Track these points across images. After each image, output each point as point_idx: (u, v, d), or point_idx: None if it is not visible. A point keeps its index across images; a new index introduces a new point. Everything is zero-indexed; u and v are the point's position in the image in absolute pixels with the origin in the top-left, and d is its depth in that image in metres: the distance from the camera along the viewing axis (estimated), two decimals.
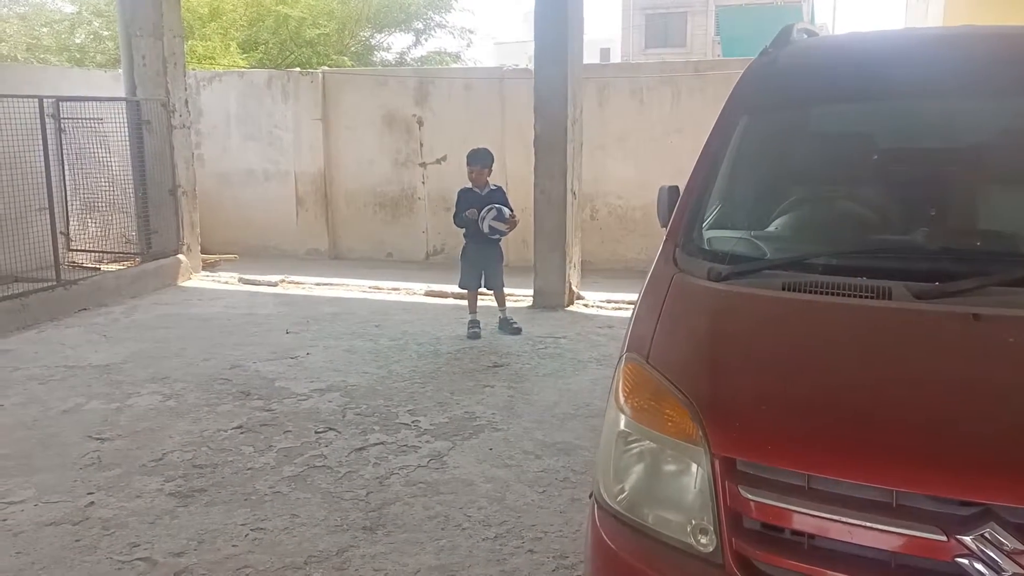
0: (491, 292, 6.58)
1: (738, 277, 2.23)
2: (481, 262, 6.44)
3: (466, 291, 6.59)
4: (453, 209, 9.75)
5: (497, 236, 6.28)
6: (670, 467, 1.90)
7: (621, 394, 2.02)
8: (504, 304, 6.63)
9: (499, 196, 6.37)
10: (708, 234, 2.57)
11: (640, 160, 9.15)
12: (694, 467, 1.84)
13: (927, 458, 1.67)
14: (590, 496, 2.11)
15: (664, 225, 2.79)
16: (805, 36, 3.28)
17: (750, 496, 1.73)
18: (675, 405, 1.91)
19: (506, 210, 6.24)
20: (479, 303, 6.57)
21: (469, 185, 6.41)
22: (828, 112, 3.04)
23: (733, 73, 8.73)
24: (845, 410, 1.81)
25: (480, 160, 6.34)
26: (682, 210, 2.59)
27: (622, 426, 1.98)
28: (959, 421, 1.73)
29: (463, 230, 6.43)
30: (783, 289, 2.14)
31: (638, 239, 9.12)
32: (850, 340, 2.01)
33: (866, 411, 1.79)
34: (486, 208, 6.19)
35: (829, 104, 2.93)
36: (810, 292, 2.11)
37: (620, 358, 2.16)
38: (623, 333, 6.78)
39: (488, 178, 6.38)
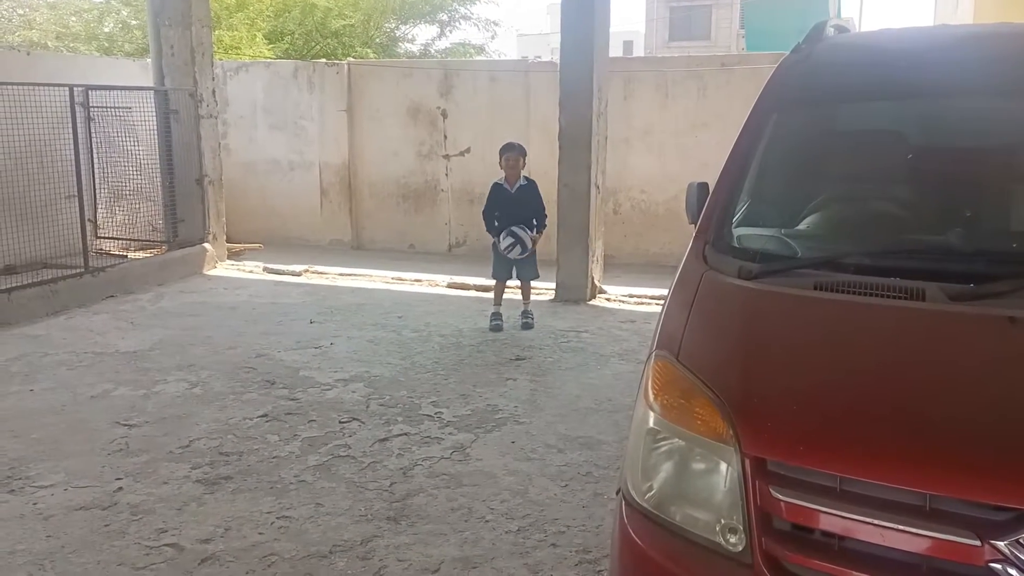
0: (518, 285, 6.59)
1: (769, 275, 2.21)
2: (512, 261, 6.44)
3: (494, 281, 6.59)
4: (475, 201, 9.83)
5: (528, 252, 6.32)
6: (699, 466, 1.90)
7: (651, 391, 2.02)
8: (528, 298, 6.63)
9: (528, 194, 6.35)
10: (737, 231, 2.55)
11: (664, 154, 9.11)
12: (724, 466, 1.84)
13: (961, 462, 1.66)
14: (617, 492, 2.11)
15: (693, 222, 2.78)
16: (836, 32, 3.25)
17: (781, 496, 1.73)
18: (705, 403, 1.90)
19: (527, 238, 6.24)
20: (506, 295, 6.58)
21: (501, 178, 6.41)
22: (860, 109, 3.01)
23: (760, 68, 8.73)
24: (878, 412, 1.80)
25: (511, 149, 6.35)
26: (712, 207, 2.57)
27: (651, 423, 1.98)
28: (994, 425, 1.71)
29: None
30: (815, 288, 2.13)
31: (661, 233, 9.09)
32: (883, 341, 1.99)
33: (899, 413, 1.78)
34: (505, 234, 6.23)
35: (862, 102, 2.90)
36: (842, 292, 2.10)
37: (649, 355, 2.16)
38: (646, 328, 6.76)
39: (522, 170, 6.37)
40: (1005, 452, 1.65)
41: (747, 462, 1.78)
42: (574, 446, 4.22)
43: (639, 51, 40.94)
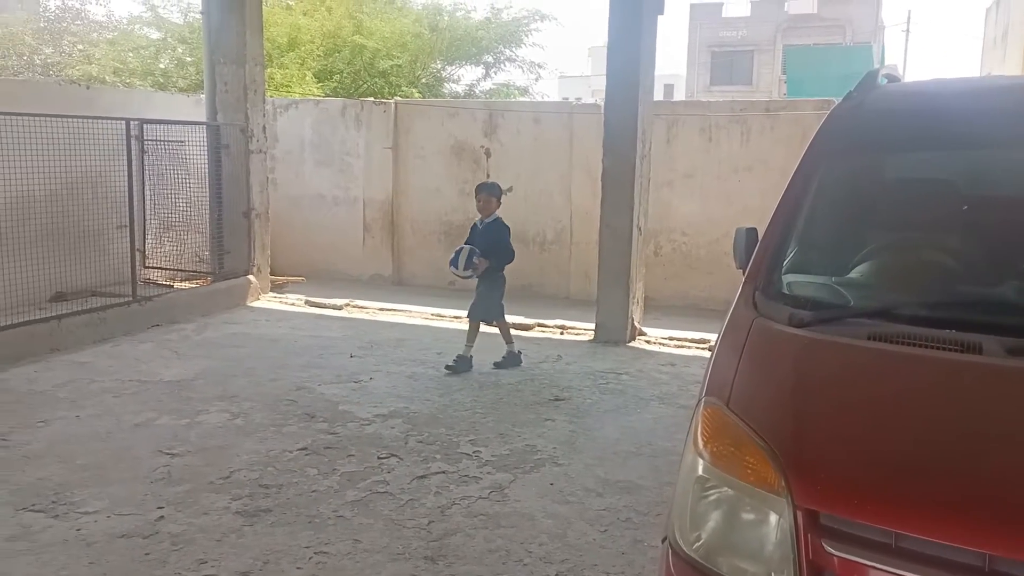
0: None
1: (821, 324, 2.19)
2: (478, 300, 6.45)
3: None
4: (515, 240, 9.85)
5: (469, 275, 6.27)
6: (749, 516, 1.87)
7: (700, 438, 2.00)
8: (509, 340, 6.50)
9: (489, 231, 6.36)
10: (787, 278, 2.53)
11: (707, 198, 9.09)
12: (774, 517, 1.81)
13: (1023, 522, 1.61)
14: (663, 540, 2.08)
15: (740, 267, 2.77)
16: (887, 81, 3.25)
17: (834, 551, 1.69)
18: (756, 452, 1.88)
19: (464, 258, 6.16)
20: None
21: (478, 217, 6.51)
22: (912, 158, 2.99)
23: (804, 114, 8.70)
24: (935, 467, 1.76)
25: (482, 190, 6.45)
26: (762, 253, 2.56)
27: (700, 471, 1.96)
28: None
29: None
30: (869, 339, 2.10)
31: (703, 277, 9.03)
32: (939, 394, 1.96)
33: (957, 469, 1.74)
34: (457, 248, 6.27)
35: (914, 151, 2.88)
36: (897, 343, 2.07)
37: (698, 401, 2.14)
38: (686, 372, 6.68)
39: (494, 209, 6.41)
40: None
41: (799, 514, 1.75)
42: (613, 490, 4.17)
43: (680, 94, 41.14)
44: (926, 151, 2.85)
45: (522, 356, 6.53)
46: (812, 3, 37.13)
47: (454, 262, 6.26)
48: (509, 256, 6.43)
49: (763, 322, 2.27)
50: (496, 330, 6.59)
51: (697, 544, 1.91)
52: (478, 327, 6.48)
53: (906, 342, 2.06)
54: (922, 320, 2.14)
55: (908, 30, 35.11)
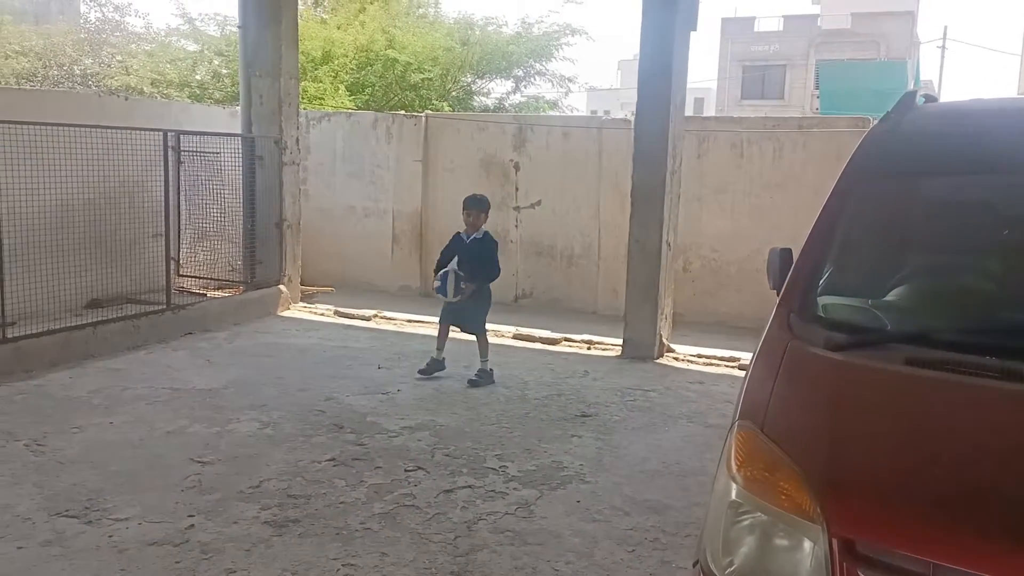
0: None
1: (858, 348, 2.17)
2: (456, 306, 6.33)
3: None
4: (543, 254, 9.88)
5: (458, 300, 6.22)
6: (783, 542, 1.85)
7: (733, 462, 1.98)
8: (481, 355, 6.42)
9: (478, 247, 6.30)
10: (822, 300, 2.51)
11: (737, 214, 9.04)
12: (808, 544, 1.79)
13: None
14: (695, 564, 2.06)
15: (774, 288, 2.75)
16: (925, 101, 3.21)
17: None
18: (791, 478, 1.86)
19: (451, 283, 6.12)
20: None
21: (462, 229, 6.43)
22: (951, 181, 2.94)
23: (838, 132, 8.63)
24: (974, 497, 1.73)
25: (473, 204, 6.36)
26: (797, 274, 2.54)
27: (733, 496, 1.94)
28: None
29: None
30: (906, 363, 2.08)
31: (732, 294, 8.97)
32: (979, 422, 1.93)
33: (997, 500, 1.71)
34: (442, 273, 6.19)
35: (953, 174, 2.84)
36: (936, 368, 2.04)
37: (732, 424, 2.13)
38: (715, 390, 6.62)
39: (483, 224, 6.36)
40: None
41: (834, 542, 1.73)
42: (641, 509, 4.14)
43: (710, 108, 41.05)
44: (965, 173, 2.81)
45: (494, 374, 6.41)
46: (846, 18, 36.93)
47: (442, 290, 6.20)
48: (496, 273, 6.39)
49: (798, 345, 2.25)
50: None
51: (729, 569, 1.90)
52: (445, 332, 6.47)
53: (945, 368, 2.03)
54: (961, 346, 2.11)
55: (944, 46, 34.73)
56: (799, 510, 1.81)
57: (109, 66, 17.37)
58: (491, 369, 6.42)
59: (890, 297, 2.58)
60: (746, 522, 1.91)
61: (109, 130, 7.23)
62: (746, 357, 6.73)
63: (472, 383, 6.27)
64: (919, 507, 1.73)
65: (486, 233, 6.39)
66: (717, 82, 40.79)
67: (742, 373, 6.34)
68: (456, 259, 6.21)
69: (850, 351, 2.16)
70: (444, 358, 6.47)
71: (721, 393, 6.25)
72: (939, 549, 1.64)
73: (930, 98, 3.35)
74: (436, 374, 6.41)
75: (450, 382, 6.31)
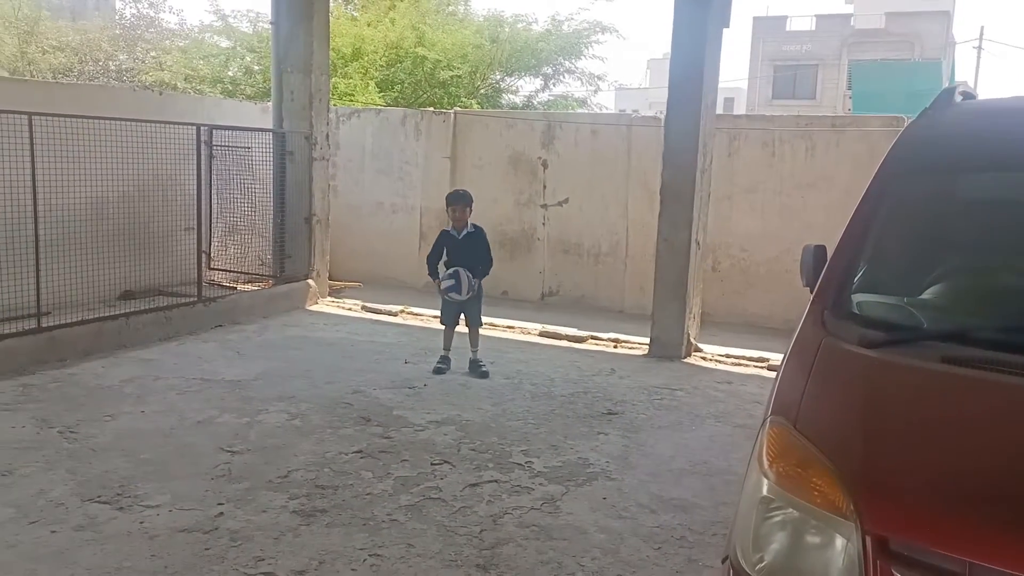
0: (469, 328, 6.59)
1: (893, 345, 2.14)
2: (459, 303, 6.44)
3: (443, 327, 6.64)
4: (570, 251, 9.85)
5: (467, 297, 6.35)
6: (814, 539, 1.83)
7: (765, 458, 1.97)
8: (476, 345, 6.54)
9: (475, 240, 6.37)
10: (857, 298, 2.48)
11: (767, 213, 8.95)
12: (841, 542, 1.77)
13: None
14: (724, 560, 2.05)
15: (807, 285, 2.72)
16: (963, 99, 3.16)
17: None
18: (824, 475, 1.84)
19: (466, 282, 6.26)
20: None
21: (448, 225, 6.49)
22: (989, 179, 2.90)
23: (872, 131, 8.51)
24: (1012, 495, 1.70)
25: (459, 200, 6.40)
26: (832, 272, 2.51)
27: (765, 491, 1.92)
28: None
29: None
30: (942, 361, 2.05)
31: (761, 294, 8.89)
32: (1017, 421, 1.90)
33: None
34: (448, 275, 6.28)
35: (992, 171, 2.80)
36: (972, 367, 2.01)
37: (764, 421, 2.11)
38: (743, 390, 6.56)
39: (468, 218, 6.40)
40: None
41: (868, 540, 1.71)
42: (668, 508, 4.12)
43: (740, 107, 40.70)
44: (1004, 171, 2.76)
45: (440, 361, 6.52)
46: (880, 18, 36.43)
47: (455, 289, 6.30)
48: (491, 266, 6.54)
49: (832, 342, 2.23)
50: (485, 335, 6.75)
51: (760, 566, 1.88)
52: (452, 333, 6.58)
53: (981, 366, 2.00)
54: (998, 344, 2.08)
55: (980, 47, 34.14)
56: (832, 507, 1.79)
57: (143, 62, 17.63)
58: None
59: (926, 295, 2.54)
60: (777, 518, 1.90)
61: (143, 124, 7.33)
62: (775, 358, 6.68)
63: (482, 374, 6.36)
64: (955, 505, 1.71)
65: (477, 226, 6.47)
66: (748, 82, 40.44)
67: (771, 374, 6.32)
68: (445, 255, 6.39)
69: (885, 348, 2.14)
70: (450, 356, 6.56)
71: (749, 394, 6.20)
72: (975, 548, 1.62)
73: (968, 95, 3.29)
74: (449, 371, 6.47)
75: (475, 377, 6.32)
